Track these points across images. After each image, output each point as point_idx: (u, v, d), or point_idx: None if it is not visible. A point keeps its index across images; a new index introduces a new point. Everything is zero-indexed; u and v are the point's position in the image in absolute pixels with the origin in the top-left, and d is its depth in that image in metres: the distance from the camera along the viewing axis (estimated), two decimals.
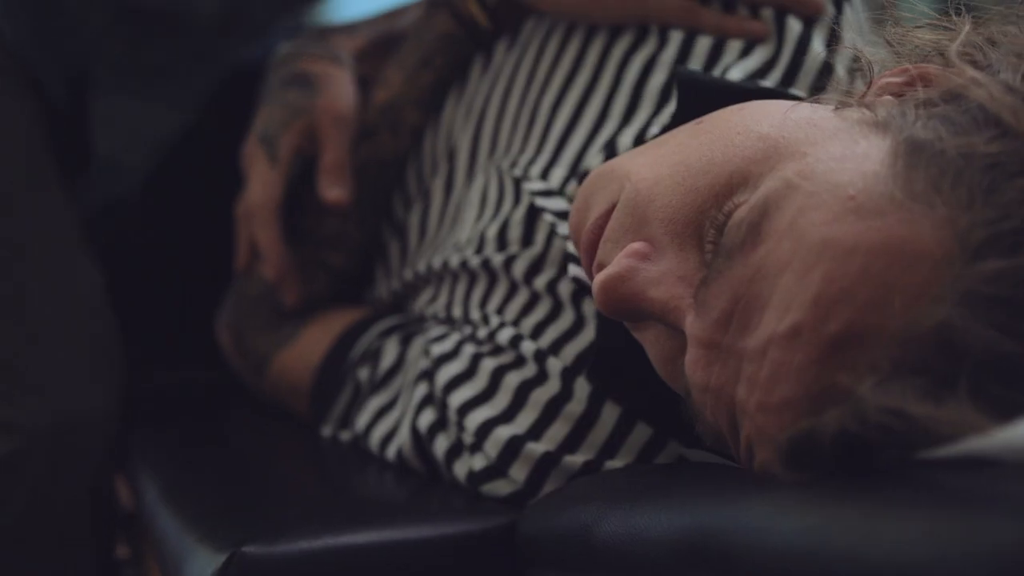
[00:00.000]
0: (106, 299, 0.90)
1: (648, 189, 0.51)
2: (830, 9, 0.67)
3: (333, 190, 0.80)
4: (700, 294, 0.47)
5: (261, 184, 0.82)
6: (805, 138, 0.48)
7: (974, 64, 0.47)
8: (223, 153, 0.91)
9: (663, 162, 0.52)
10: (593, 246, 0.54)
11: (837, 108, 0.50)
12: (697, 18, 0.67)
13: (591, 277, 0.55)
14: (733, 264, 0.46)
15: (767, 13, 0.66)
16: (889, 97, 0.50)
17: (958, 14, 0.52)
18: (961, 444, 0.37)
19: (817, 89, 0.65)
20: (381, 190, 0.83)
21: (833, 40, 0.66)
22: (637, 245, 0.50)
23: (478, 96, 0.78)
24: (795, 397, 0.43)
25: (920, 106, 0.47)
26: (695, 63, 0.66)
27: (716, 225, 0.48)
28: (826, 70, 0.65)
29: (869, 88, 0.53)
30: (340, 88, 0.84)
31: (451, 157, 0.79)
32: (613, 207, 0.53)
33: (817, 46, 0.66)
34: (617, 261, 0.50)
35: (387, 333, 0.78)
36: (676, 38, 0.68)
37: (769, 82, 0.65)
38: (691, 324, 0.47)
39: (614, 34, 0.70)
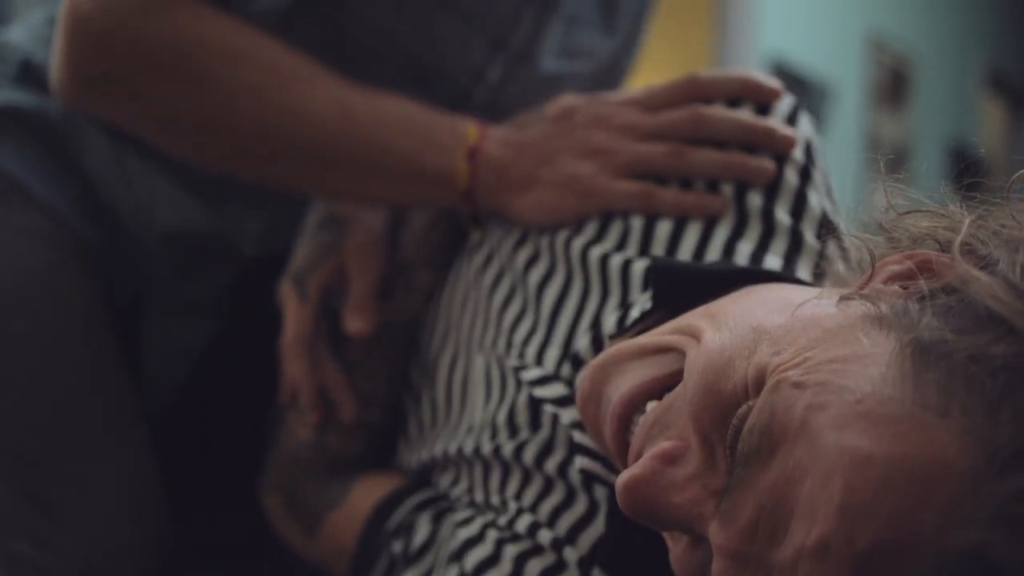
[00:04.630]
0: (153, 453, 0.93)
1: (677, 386, 0.52)
2: (794, 178, 0.68)
3: (354, 322, 0.83)
4: (724, 504, 0.47)
5: (293, 321, 0.86)
6: (809, 338, 0.48)
7: (974, 255, 0.48)
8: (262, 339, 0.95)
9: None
10: (618, 434, 0.54)
11: (840, 301, 0.50)
12: (654, 201, 0.70)
13: (618, 457, 0.55)
14: (751, 471, 0.45)
15: (727, 189, 0.68)
16: (895, 287, 0.50)
17: (951, 202, 0.53)
18: None
19: (790, 258, 0.66)
20: (402, 351, 0.86)
21: (799, 208, 0.67)
22: (667, 445, 0.49)
23: (472, 273, 0.80)
24: None
25: (923, 300, 0.46)
26: (657, 247, 0.69)
27: (733, 430, 0.47)
28: (796, 239, 0.67)
29: (871, 277, 0.52)
30: (369, 227, 0.87)
31: (455, 332, 0.81)
32: (634, 392, 0.54)
33: (781, 216, 0.67)
34: (642, 462, 0.49)
35: (419, 508, 0.79)
36: (637, 224, 0.70)
37: (744, 250, 0.66)
38: (716, 534, 0.47)
39: (579, 226, 0.73)
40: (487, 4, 0.91)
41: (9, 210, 0.92)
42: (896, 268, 0.51)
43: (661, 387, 0.54)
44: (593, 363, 0.58)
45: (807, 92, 4.69)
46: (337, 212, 0.89)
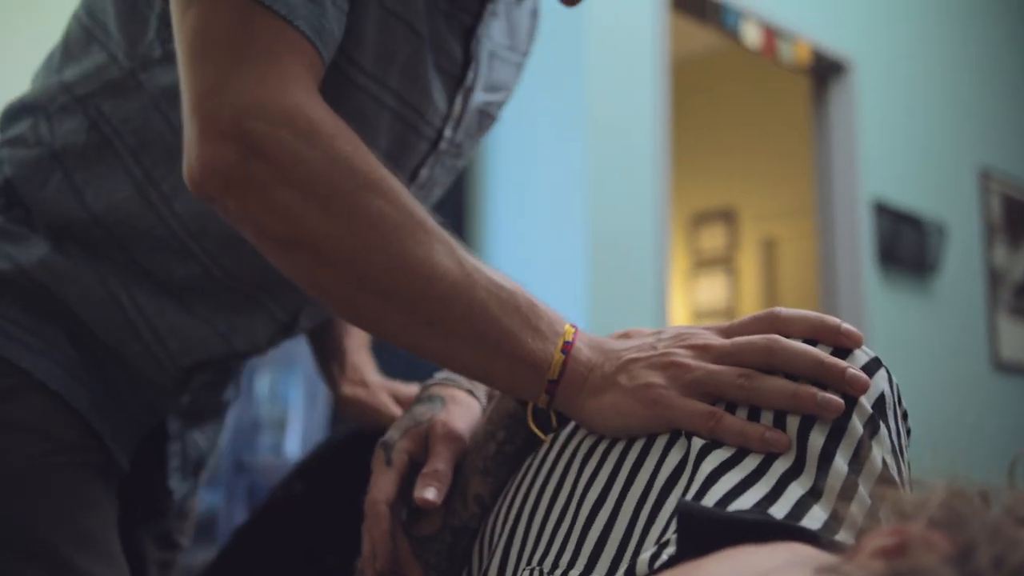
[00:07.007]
0: None
1: None
2: (860, 427, 0.67)
3: (423, 492, 0.83)
4: None
5: (376, 484, 0.87)
6: None
7: (955, 537, 0.46)
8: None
9: None
10: None
11: (816, 574, 0.48)
12: (720, 426, 0.69)
13: None
14: None
15: (793, 423, 0.68)
16: (877, 563, 0.48)
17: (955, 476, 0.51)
18: None
19: (838, 512, 0.64)
20: (455, 557, 0.86)
21: (859, 458, 0.66)
22: None
23: (527, 486, 0.81)
24: None
25: None
26: (705, 470, 0.68)
27: None
28: (849, 490, 0.64)
29: (859, 549, 0.51)
30: (462, 409, 0.90)
31: (505, 543, 0.81)
32: None
33: (840, 464, 0.66)
34: None
35: None
36: (697, 446, 0.69)
37: (794, 494, 0.65)
38: None
39: (648, 442, 0.73)
40: (439, 34, 0.97)
41: None
42: (880, 543, 0.49)
43: None
44: None
45: (922, 230, 4.67)
46: (439, 392, 0.92)
